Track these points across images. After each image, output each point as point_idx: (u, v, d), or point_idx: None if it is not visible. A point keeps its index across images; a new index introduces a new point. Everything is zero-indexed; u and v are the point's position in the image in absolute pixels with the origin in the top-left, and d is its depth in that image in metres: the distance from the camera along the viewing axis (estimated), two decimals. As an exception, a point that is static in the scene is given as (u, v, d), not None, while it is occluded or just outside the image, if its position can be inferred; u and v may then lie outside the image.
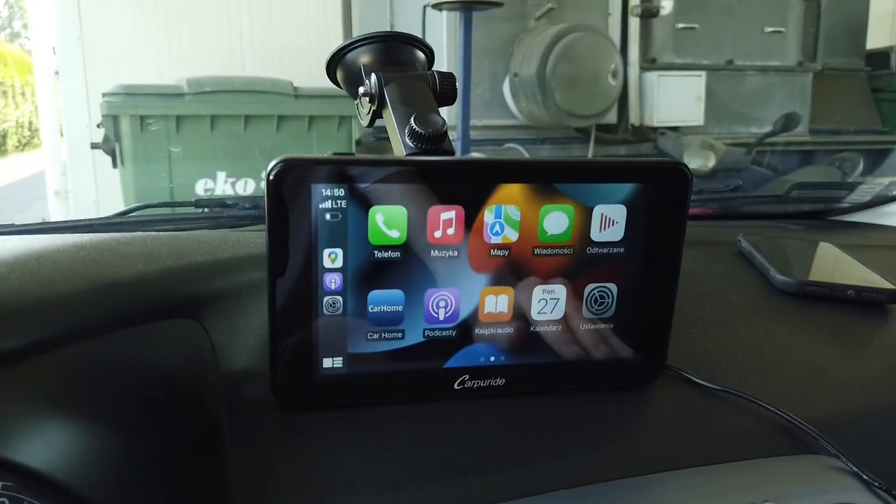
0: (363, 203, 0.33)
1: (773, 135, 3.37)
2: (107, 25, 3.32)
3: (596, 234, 0.37)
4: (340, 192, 0.33)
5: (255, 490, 0.31)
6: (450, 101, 0.49)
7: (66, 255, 0.33)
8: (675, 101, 3.39)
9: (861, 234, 0.83)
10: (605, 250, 0.37)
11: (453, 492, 0.32)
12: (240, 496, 0.30)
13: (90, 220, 0.74)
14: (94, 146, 3.00)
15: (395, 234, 0.34)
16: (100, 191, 3.36)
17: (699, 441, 0.37)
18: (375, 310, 0.35)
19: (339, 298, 0.34)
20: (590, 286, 0.37)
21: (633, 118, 3.38)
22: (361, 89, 0.48)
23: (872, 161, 3.64)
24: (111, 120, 2.72)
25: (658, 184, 0.37)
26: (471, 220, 0.35)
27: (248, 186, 2.84)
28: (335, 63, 0.51)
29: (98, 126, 2.82)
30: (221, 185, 2.83)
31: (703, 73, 3.43)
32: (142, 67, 3.34)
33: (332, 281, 0.34)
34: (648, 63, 3.39)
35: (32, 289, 0.28)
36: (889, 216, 0.90)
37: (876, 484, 0.36)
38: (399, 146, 0.44)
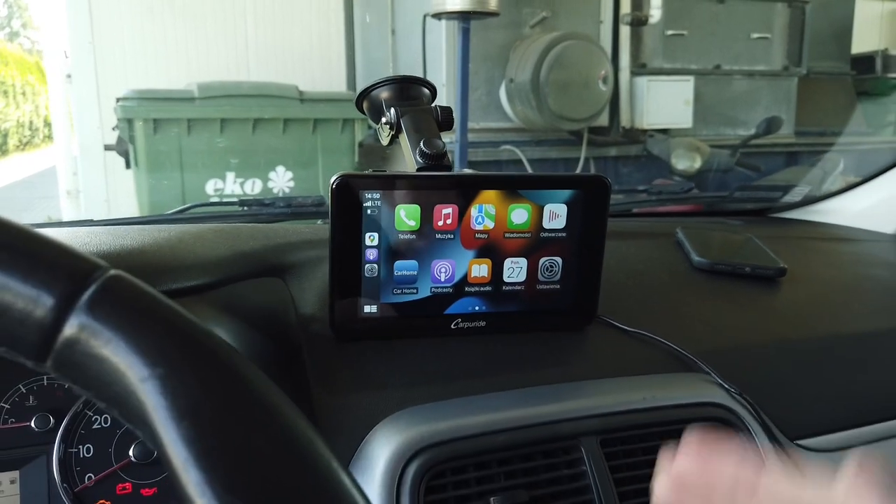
0: (391, 202, 0.51)
1: (756, 138, 3.51)
2: (117, 31, 3.44)
3: (546, 224, 0.54)
4: (377, 195, 0.51)
5: (323, 387, 0.49)
6: (448, 127, 0.67)
7: (210, 236, 0.51)
8: (664, 104, 3.50)
9: (788, 228, 1.01)
10: (553, 235, 0.55)
11: (450, 389, 0.50)
12: (315, 389, 0.48)
13: (158, 215, 0.92)
14: (107, 148, 3.14)
15: (412, 223, 0.52)
16: (110, 190, 3.50)
17: (615, 365, 0.55)
18: (399, 274, 0.53)
19: (375, 266, 0.52)
20: (543, 259, 0.55)
21: (624, 121, 3.50)
22: (384, 119, 0.66)
23: (856, 161, 3.79)
24: (126, 123, 2.82)
25: (588, 190, 0.54)
26: (462, 214, 0.53)
27: (255, 186, 2.99)
28: (363, 97, 0.69)
29: (113, 129, 2.95)
30: (230, 185, 2.97)
31: (692, 78, 3.54)
32: (150, 71, 3.46)
33: (371, 254, 0.52)
34: (639, 68, 3.51)
35: (202, 252, 0.47)
36: (817, 213, 1.08)
37: (733, 390, 0.53)
38: (411, 160, 0.62)
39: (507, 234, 0.54)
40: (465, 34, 2.80)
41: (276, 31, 3.72)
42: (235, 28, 3.67)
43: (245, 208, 0.98)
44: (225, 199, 2.94)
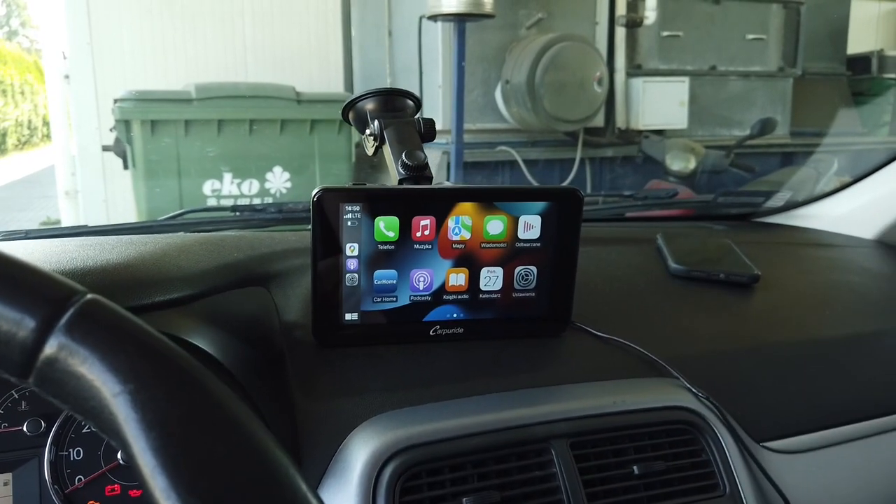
0: (371, 214, 0.53)
1: (751, 139, 3.53)
2: (115, 31, 3.46)
3: (522, 234, 0.57)
4: (357, 208, 0.53)
5: (305, 392, 0.51)
6: (431, 139, 0.69)
7: (195, 248, 0.53)
8: (659, 105, 3.52)
9: (769, 234, 1.03)
10: (528, 245, 0.57)
11: (427, 393, 0.52)
12: (296, 394, 0.50)
13: (151, 222, 0.94)
14: (105, 149, 3.15)
15: (391, 234, 0.54)
16: (108, 191, 3.52)
17: (588, 369, 0.57)
18: (379, 283, 0.55)
19: (356, 275, 0.54)
20: (518, 268, 0.57)
21: (620, 122, 3.51)
22: (368, 130, 0.68)
23: (851, 161, 3.81)
24: (123, 124, 2.84)
25: (561, 202, 0.57)
26: (439, 225, 0.55)
27: (252, 187, 3.01)
28: (349, 108, 0.71)
29: (111, 130, 2.97)
30: (228, 186, 2.99)
31: (687, 79, 3.55)
32: (148, 71, 3.48)
33: (352, 264, 0.54)
34: (634, 69, 3.52)
35: (185, 265, 0.49)
36: (799, 218, 1.10)
37: (701, 395, 0.56)
38: (394, 171, 0.64)
39: (483, 245, 0.56)
40: (461, 36, 2.82)
41: (273, 33, 3.74)
42: (233, 29, 3.69)
43: (237, 214, 1.00)
44: (222, 199, 2.96)
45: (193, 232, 0.91)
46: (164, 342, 0.23)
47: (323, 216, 0.52)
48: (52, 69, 3.54)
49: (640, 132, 3.52)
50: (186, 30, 3.60)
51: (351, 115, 0.71)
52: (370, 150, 0.70)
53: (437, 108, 3.04)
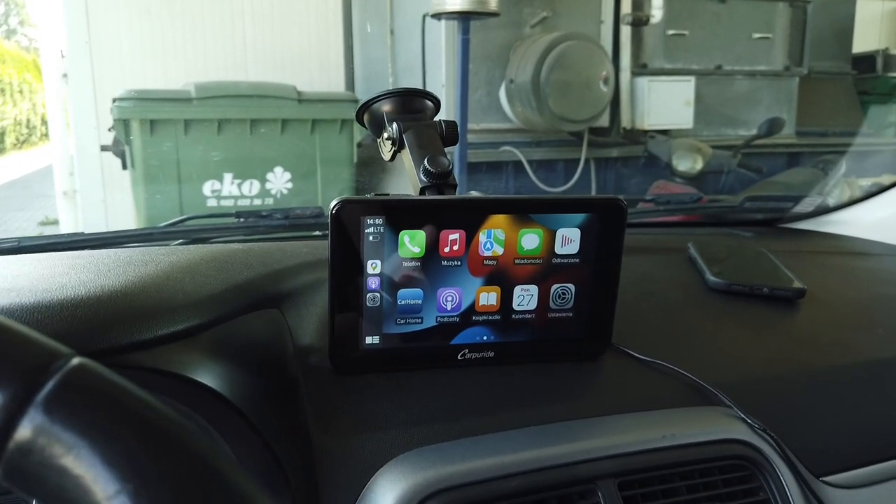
0: (395, 227, 0.48)
1: (758, 139, 3.50)
2: (114, 30, 3.41)
3: (559, 249, 0.51)
4: (380, 221, 0.48)
5: (322, 427, 0.46)
6: (453, 142, 0.64)
7: (202, 268, 0.48)
8: (665, 105, 3.48)
9: (801, 241, 0.98)
10: (566, 260, 0.52)
11: (457, 427, 0.47)
12: (313, 430, 0.45)
13: (151, 229, 0.88)
14: (104, 149, 3.11)
15: (417, 250, 0.49)
16: (107, 191, 3.47)
17: (631, 398, 0.52)
18: (402, 303, 0.50)
19: (378, 295, 0.49)
20: (554, 286, 0.52)
21: (625, 121, 3.47)
22: (385, 134, 0.63)
23: (857, 162, 3.77)
24: (122, 124, 2.80)
25: (602, 213, 0.51)
26: (470, 239, 0.50)
27: (253, 187, 2.96)
28: (363, 110, 0.66)
29: (109, 130, 2.93)
30: (228, 187, 2.94)
31: (693, 78, 3.52)
32: (148, 71, 3.44)
33: (373, 282, 0.49)
34: (639, 68, 3.48)
35: (191, 289, 0.43)
36: (829, 224, 1.05)
37: (756, 426, 0.50)
38: (415, 178, 0.59)
39: (517, 261, 0.51)
40: (465, 34, 2.78)
41: (274, 32, 3.70)
42: (233, 28, 3.65)
43: (241, 220, 0.95)
44: (222, 200, 2.92)
45: (195, 240, 0.85)
46: (174, 421, 0.17)
47: (342, 230, 0.47)
48: (50, 68, 3.50)
49: (645, 132, 3.48)
50: (186, 29, 3.56)
51: (366, 118, 0.66)
52: (387, 155, 0.65)
53: (441, 108, 2.98)
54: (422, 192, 0.58)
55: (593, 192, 3.41)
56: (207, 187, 2.92)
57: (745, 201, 1.07)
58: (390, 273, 0.49)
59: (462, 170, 2.72)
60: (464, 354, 0.52)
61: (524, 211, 0.50)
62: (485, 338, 0.52)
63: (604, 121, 3.35)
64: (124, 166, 2.93)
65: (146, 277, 0.44)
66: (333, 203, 0.47)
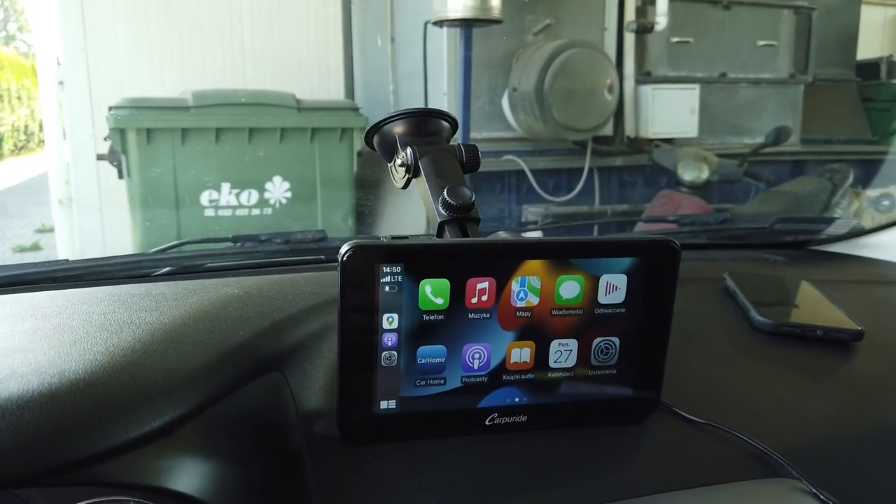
0: (415, 276, 0.41)
1: (765, 147, 3.45)
2: (110, 37, 3.36)
3: (602, 298, 0.45)
4: (398, 269, 0.41)
5: (330, 509, 0.39)
6: (474, 169, 0.57)
7: (189, 331, 0.41)
8: (669, 113, 3.44)
9: (838, 267, 0.91)
10: (610, 311, 0.45)
11: (489, 511, 0.40)
12: (320, 514, 0.38)
13: (140, 255, 0.82)
14: (99, 157, 3.05)
15: (440, 301, 0.42)
16: (103, 200, 3.41)
17: (685, 468, 0.45)
18: (423, 361, 0.43)
19: (394, 353, 0.43)
20: (597, 340, 0.46)
21: (629, 130, 3.43)
22: (399, 159, 0.56)
23: (863, 171, 3.73)
24: (118, 133, 2.76)
25: (652, 257, 0.45)
26: (501, 288, 0.43)
27: (251, 197, 2.90)
28: (374, 132, 0.60)
29: (105, 139, 2.87)
30: (226, 197, 2.89)
31: (697, 86, 3.48)
32: (144, 78, 3.38)
33: (389, 339, 0.42)
34: (643, 76, 3.44)
35: (174, 365, 0.36)
36: (864, 247, 0.98)
37: (831, 502, 0.44)
38: (432, 211, 0.53)
39: (554, 312, 0.44)
40: (468, 42, 2.73)
41: (273, 38, 3.65)
42: (232, 34, 3.60)
43: (238, 245, 0.88)
44: (220, 210, 2.86)
45: (186, 268, 0.79)
46: None
47: (354, 280, 0.40)
48: (45, 75, 3.45)
49: (649, 141, 3.43)
50: (183, 36, 3.51)
51: (376, 140, 0.60)
52: (400, 183, 0.58)
53: (442, 116, 2.94)
54: (440, 226, 0.52)
55: (597, 203, 3.36)
56: (205, 197, 2.86)
57: (775, 223, 1.00)
58: (409, 328, 0.42)
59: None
60: (492, 419, 0.45)
61: (563, 255, 0.43)
62: (516, 399, 0.46)
63: (607, 129, 3.30)
64: (121, 175, 2.88)
65: (118, 353, 0.36)
66: (344, 249, 0.40)
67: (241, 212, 2.91)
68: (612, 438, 0.47)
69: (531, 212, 3.19)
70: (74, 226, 3.49)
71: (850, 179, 3.51)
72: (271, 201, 2.94)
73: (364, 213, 3.21)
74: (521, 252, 0.43)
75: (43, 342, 0.36)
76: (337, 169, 3.01)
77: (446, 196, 0.50)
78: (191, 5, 3.53)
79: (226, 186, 2.89)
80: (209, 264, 0.80)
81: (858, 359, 0.60)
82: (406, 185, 0.58)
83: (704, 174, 3.31)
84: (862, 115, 4.46)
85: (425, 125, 0.58)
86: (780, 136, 3.50)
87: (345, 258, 0.40)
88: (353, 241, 0.40)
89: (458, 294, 0.42)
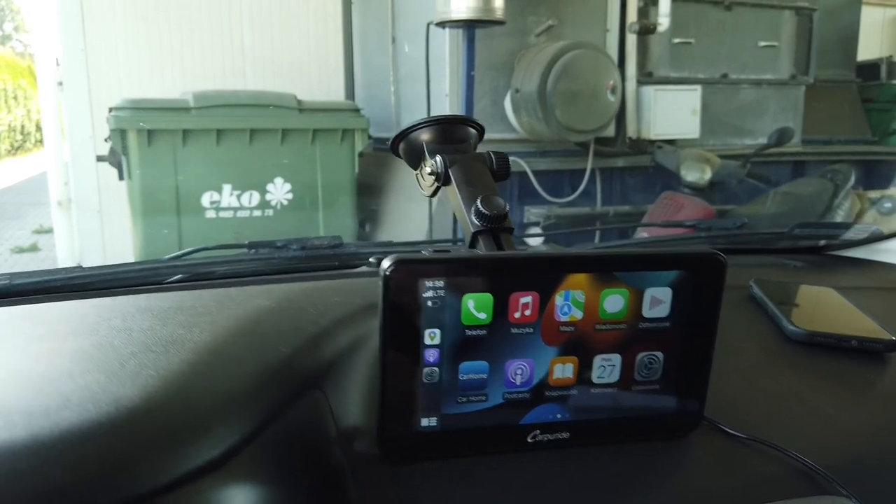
0: (458, 291, 0.40)
1: (768, 149, 3.44)
2: (110, 38, 3.35)
3: (647, 312, 0.44)
4: (440, 283, 0.40)
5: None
6: (504, 177, 0.56)
7: (232, 349, 0.40)
8: (671, 114, 3.44)
9: (860, 272, 0.90)
10: (654, 325, 0.44)
11: (536, 533, 0.39)
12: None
13: (155, 261, 0.80)
14: (99, 159, 3.03)
15: (483, 316, 0.41)
16: (102, 201, 3.40)
17: (729, 485, 0.44)
18: (465, 378, 0.42)
19: (436, 369, 0.41)
20: (640, 354, 0.45)
21: (631, 131, 3.42)
22: (428, 168, 0.55)
23: (863, 172, 3.73)
24: (119, 134, 2.73)
25: (698, 270, 0.44)
26: (544, 302, 0.42)
27: (252, 199, 2.89)
28: (400, 139, 0.59)
29: (106, 140, 2.86)
30: (227, 198, 2.87)
31: (699, 87, 3.47)
32: (144, 78, 3.37)
33: (431, 355, 0.41)
34: (645, 77, 3.44)
35: (227, 389, 0.35)
36: (883, 252, 0.97)
37: (881, 521, 0.43)
38: (465, 221, 0.52)
39: (598, 326, 0.43)
40: (471, 44, 2.72)
41: (273, 38, 3.64)
42: (231, 35, 3.59)
43: (253, 252, 0.87)
44: (221, 211, 2.85)
45: (201, 275, 0.77)
46: None
47: (396, 294, 0.39)
48: (45, 76, 3.44)
49: (651, 142, 3.43)
50: (183, 36, 3.50)
51: (402, 147, 0.59)
52: (428, 191, 0.57)
53: (445, 117, 2.93)
54: (474, 237, 0.51)
55: (599, 204, 3.35)
56: (206, 198, 2.85)
57: (794, 228, 0.99)
58: (451, 343, 0.41)
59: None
60: (535, 436, 0.44)
61: (608, 268, 0.42)
62: (558, 416, 0.44)
63: (609, 130, 3.30)
64: (121, 177, 2.86)
65: (169, 375, 0.35)
66: (387, 264, 0.39)
67: (242, 213, 2.89)
68: (653, 454, 0.46)
69: (533, 213, 3.18)
70: (74, 228, 3.48)
71: (852, 181, 3.51)
72: (273, 203, 2.94)
73: (366, 214, 3.20)
74: (565, 265, 0.42)
75: (89, 364, 0.35)
76: (338, 170, 3.00)
77: (480, 206, 0.50)
78: (190, 6, 3.52)
79: (227, 188, 2.87)
80: (225, 269, 0.79)
81: (892, 369, 0.59)
82: (434, 194, 0.57)
83: (707, 175, 3.30)
84: (862, 115, 4.47)
85: (453, 132, 0.57)
86: (782, 137, 3.50)
87: (387, 273, 0.39)
88: (395, 255, 0.39)
89: (501, 309, 0.41)
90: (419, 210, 2.97)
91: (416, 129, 0.57)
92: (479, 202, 0.50)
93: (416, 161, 0.58)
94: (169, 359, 0.37)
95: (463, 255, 0.41)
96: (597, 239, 3.15)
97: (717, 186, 3.22)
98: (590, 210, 3.35)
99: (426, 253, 0.40)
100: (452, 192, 0.54)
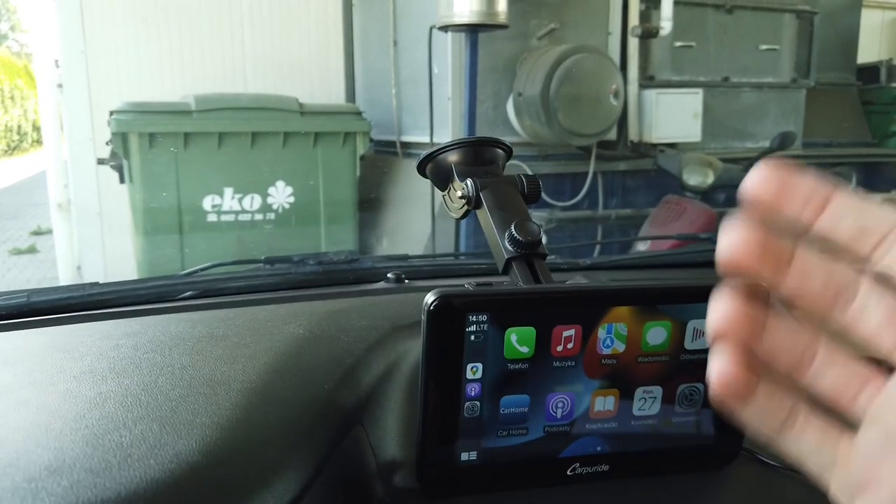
0: (501, 325, 0.40)
1: (770, 153, 3.44)
2: (109, 39, 3.33)
3: (689, 344, 0.43)
4: (484, 317, 0.39)
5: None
6: (535, 200, 0.56)
7: (275, 384, 0.39)
8: (673, 117, 3.43)
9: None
10: (695, 357, 0.44)
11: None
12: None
13: (171, 277, 0.80)
14: (100, 162, 3.02)
15: (525, 350, 0.41)
16: (102, 203, 3.38)
17: (773, 518, 0.44)
18: (506, 411, 0.42)
19: (477, 403, 0.41)
20: (682, 386, 0.44)
21: (633, 135, 3.42)
22: (458, 192, 0.55)
23: (863, 174, 3.74)
24: (120, 137, 2.72)
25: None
26: (587, 335, 0.41)
27: (254, 202, 2.88)
28: (428, 161, 0.58)
29: (107, 143, 2.84)
30: (228, 201, 2.86)
31: (700, 91, 3.47)
32: (144, 81, 3.35)
33: (472, 389, 0.41)
34: (647, 80, 3.43)
35: (277, 433, 0.35)
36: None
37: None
38: (498, 247, 0.51)
39: (640, 359, 0.43)
40: (473, 48, 2.71)
41: (273, 41, 3.63)
42: (232, 37, 3.57)
43: (269, 267, 0.87)
44: (223, 215, 2.84)
45: (221, 290, 0.77)
46: None
47: (439, 330, 0.39)
48: (44, 78, 3.42)
49: (653, 145, 3.42)
50: (183, 38, 3.48)
51: (429, 169, 0.58)
52: (458, 213, 0.56)
53: (446, 121, 2.93)
54: (507, 263, 0.50)
55: (600, 208, 3.35)
56: (208, 201, 2.84)
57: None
58: (493, 377, 0.41)
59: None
60: (574, 469, 0.44)
61: (652, 302, 0.42)
62: (598, 448, 0.44)
63: (611, 134, 3.29)
64: (122, 180, 2.84)
65: (223, 423, 0.34)
66: (431, 298, 0.38)
67: (244, 217, 2.88)
68: (692, 486, 0.45)
69: (535, 216, 3.18)
70: (73, 229, 3.46)
71: (853, 183, 3.51)
72: (274, 206, 2.92)
73: (367, 218, 3.19)
74: (608, 298, 0.41)
75: (140, 410, 0.34)
76: (340, 173, 2.99)
77: (514, 232, 0.49)
78: (191, 8, 3.50)
79: (228, 191, 2.86)
80: (242, 285, 0.79)
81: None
82: (464, 216, 0.56)
83: (709, 179, 3.30)
84: (862, 118, 4.47)
85: (482, 154, 0.56)
86: (785, 141, 3.50)
87: (432, 307, 0.38)
88: (439, 290, 0.38)
89: (543, 342, 0.41)
90: (421, 214, 2.97)
91: (444, 151, 0.57)
92: (513, 228, 0.49)
93: (443, 183, 0.57)
94: (218, 402, 0.37)
95: (507, 289, 0.41)
96: (596, 252, 3.14)
97: (721, 190, 3.22)
98: (591, 213, 3.35)
99: (468, 286, 0.40)
100: (483, 216, 0.53)
